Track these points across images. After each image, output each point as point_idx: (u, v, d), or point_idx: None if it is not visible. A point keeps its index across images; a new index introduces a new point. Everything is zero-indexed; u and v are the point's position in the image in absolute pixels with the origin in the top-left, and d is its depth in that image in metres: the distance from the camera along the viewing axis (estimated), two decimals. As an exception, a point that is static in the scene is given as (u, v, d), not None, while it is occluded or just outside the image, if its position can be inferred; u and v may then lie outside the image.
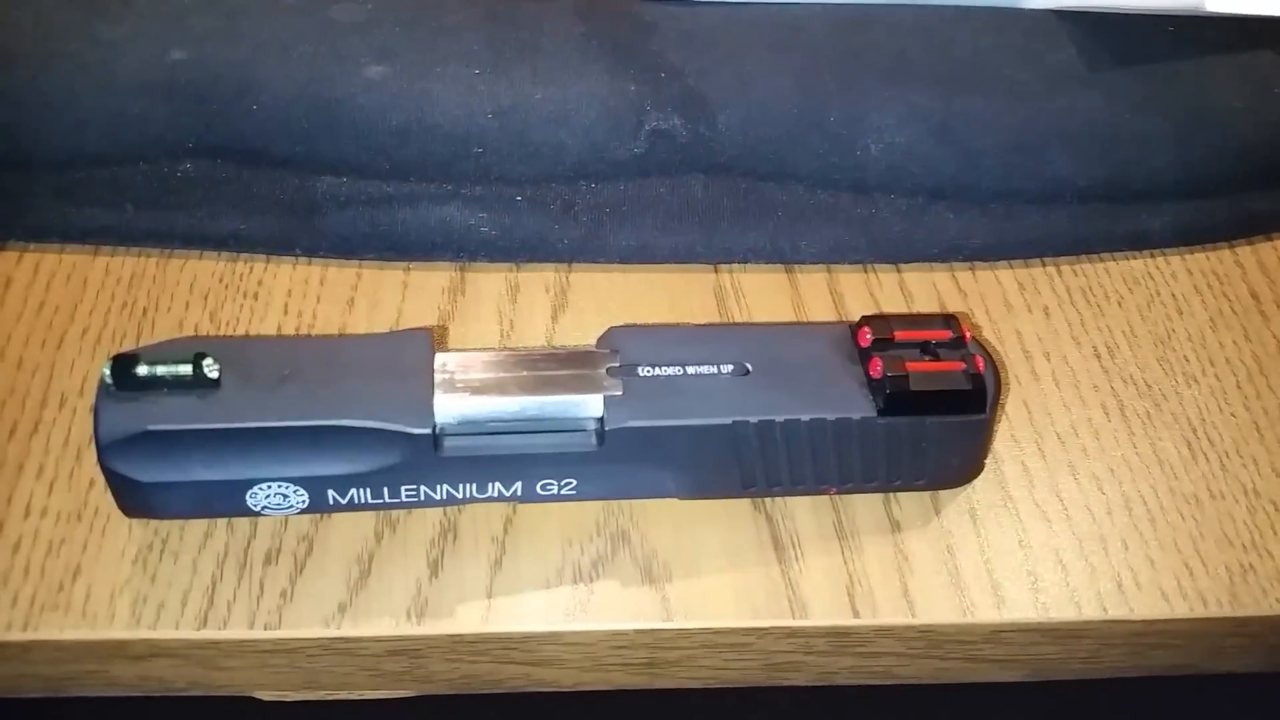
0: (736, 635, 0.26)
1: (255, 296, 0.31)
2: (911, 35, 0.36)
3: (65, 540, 0.26)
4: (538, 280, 0.32)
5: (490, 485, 0.25)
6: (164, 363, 0.23)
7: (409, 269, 0.32)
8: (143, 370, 0.23)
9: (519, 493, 0.26)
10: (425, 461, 0.24)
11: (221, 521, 0.27)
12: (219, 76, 0.33)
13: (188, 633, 0.25)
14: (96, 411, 0.23)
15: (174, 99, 0.33)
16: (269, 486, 0.24)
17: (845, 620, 0.26)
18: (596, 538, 0.27)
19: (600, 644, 0.26)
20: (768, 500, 0.28)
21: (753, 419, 0.25)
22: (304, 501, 0.24)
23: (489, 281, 0.32)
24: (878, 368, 0.25)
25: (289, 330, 0.30)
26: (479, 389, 0.24)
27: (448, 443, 0.24)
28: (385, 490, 0.25)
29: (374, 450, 0.24)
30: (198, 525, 0.26)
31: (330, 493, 0.24)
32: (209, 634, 0.25)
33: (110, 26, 0.34)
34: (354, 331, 0.31)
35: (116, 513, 0.26)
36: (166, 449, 0.23)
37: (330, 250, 0.32)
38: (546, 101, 0.33)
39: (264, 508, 0.24)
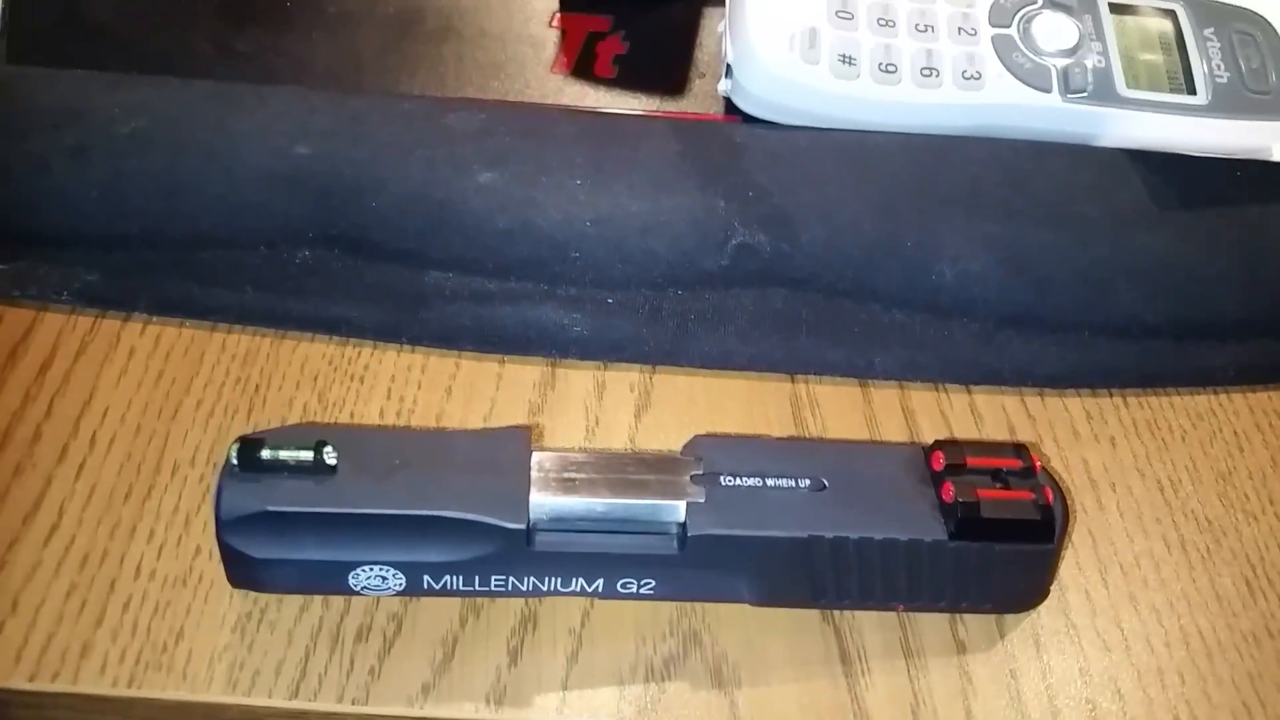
0: (802, 747, 0.26)
1: (361, 380, 0.32)
2: (986, 168, 0.36)
3: (171, 603, 0.27)
4: (623, 380, 0.33)
5: (574, 580, 0.25)
6: (287, 447, 0.24)
7: (504, 362, 0.33)
8: (266, 454, 0.24)
9: (600, 589, 0.26)
10: (516, 554, 0.24)
11: (318, 596, 0.27)
12: (341, 173, 0.34)
13: (280, 701, 0.25)
14: (220, 489, 0.24)
15: (297, 191, 0.34)
16: (371, 569, 0.24)
17: (908, 736, 0.26)
18: (670, 637, 0.27)
19: (668, 742, 0.26)
20: (836, 613, 0.27)
21: (828, 534, 0.25)
22: (400, 584, 0.25)
23: (578, 378, 0.33)
24: (950, 492, 0.25)
25: (391, 413, 0.31)
26: (570, 488, 0.25)
27: (539, 538, 0.25)
28: (477, 579, 0.25)
29: (471, 541, 0.24)
30: (295, 597, 0.27)
31: (426, 578, 0.25)
32: (300, 704, 0.25)
33: (242, 119, 0.36)
34: (451, 417, 0.31)
35: (220, 580, 0.27)
36: (282, 529, 0.24)
37: (433, 340, 0.33)
38: (641, 213, 0.34)
39: (363, 588, 0.25)
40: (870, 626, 0.27)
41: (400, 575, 0.25)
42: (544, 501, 0.24)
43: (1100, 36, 0.38)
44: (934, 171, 0.36)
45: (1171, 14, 0.39)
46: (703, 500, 0.25)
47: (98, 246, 0.34)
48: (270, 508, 0.23)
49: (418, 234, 0.34)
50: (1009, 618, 0.28)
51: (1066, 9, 0.38)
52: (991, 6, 0.38)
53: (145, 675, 0.26)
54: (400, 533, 0.24)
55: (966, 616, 0.28)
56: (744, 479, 0.26)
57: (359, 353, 0.33)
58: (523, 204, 0.34)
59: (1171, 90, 0.37)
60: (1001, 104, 0.36)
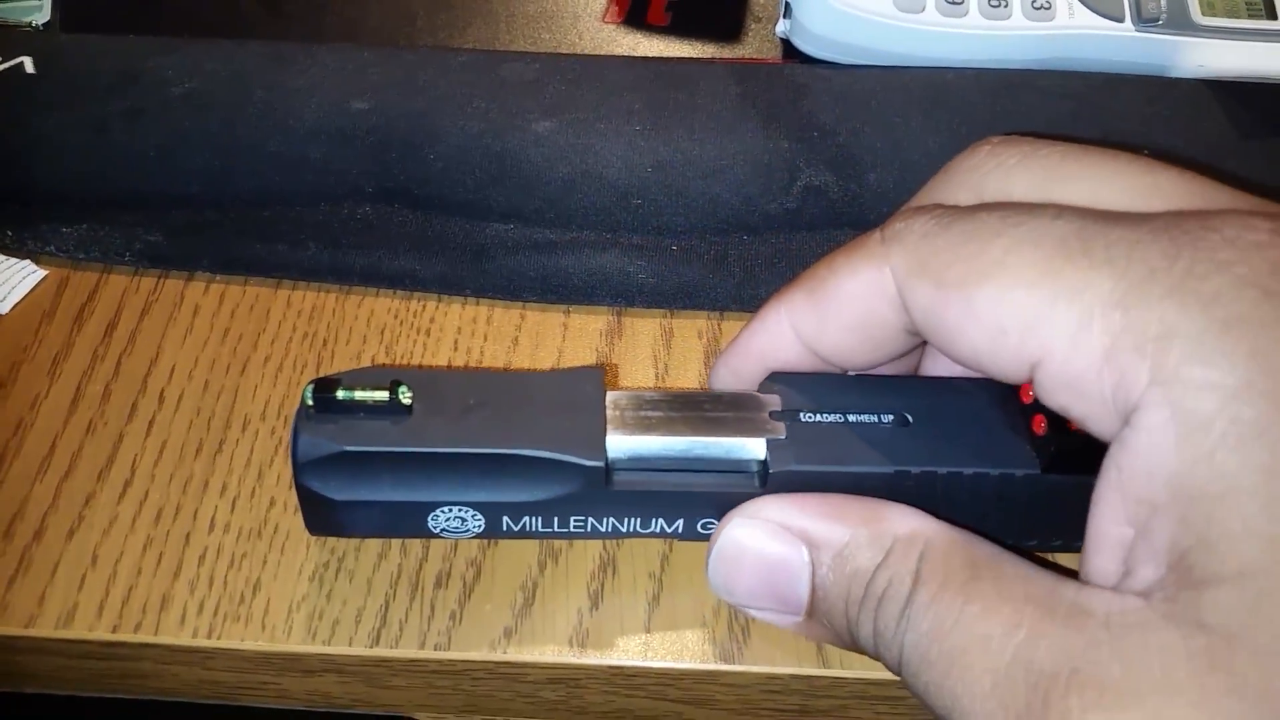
0: (890, 687, 0.25)
1: (428, 333, 0.32)
2: (1060, 101, 0.35)
3: (247, 555, 0.27)
4: (690, 327, 0.32)
5: (654, 521, 0.25)
6: (362, 388, 0.23)
7: (569, 311, 0.32)
8: (341, 394, 0.23)
9: (680, 530, 0.25)
10: (595, 494, 0.24)
11: (395, 543, 0.27)
12: (398, 127, 0.34)
13: (360, 650, 0.25)
14: (295, 432, 0.23)
15: (355, 146, 0.34)
16: (450, 510, 0.24)
17: (1002, 676, 0.25)
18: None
19: (754, 686, 0.25)
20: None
21: (914, 469, 0.24)
22: (480, 526, 0.24)
23: (644, 326, 0.32)
24: (1042, 425, 0.25)
25: (459, 365, 0.31)
26: (647, 426, 0.24)
27: (617, 477, 0.24)
28: (555, 520, 0.24)
29: (550, 480, 0.24)
30: (372, 546, 0.27)
31: (505, 519, 0.24)
32: (381, 652, 0.25)
33: (296, 77, 0.36)
34: (519, 367, 0.31)
35: (295, 530, 0.27)
36: (360, 470, 0.23)
37: (497, 292, 0.32)
38: (703, 157, 0.33)
39: (443, 530, 0.24)
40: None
41: (479, 516, 0.24)
42: (621, 440, 0.24)
43: (1174, -38, 0.36)
44: (1005, 106, 0.35)
45: (1249, -63, 0.37)
46: (783, 437, 0.24)
47: (158, 207, 0.34)
48: (348, 448, 0.23)
49: (477, 185, 0.33)
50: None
51: (1138, -65, 0.37)
52: (1059, -65, 0.37)
53: (224, 626, 0.25)
54: (478, 472, 0.24)
55: (1058, 556, 0.27)
56: (825, 415, 0.25)
57: (424, 306, 0.32)
58: (582, 152, 0.33)
59: (1250, 15, 0.36)
60: (1073, 34, 0.35)
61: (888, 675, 0.24)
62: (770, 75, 0.36)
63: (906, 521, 0.21)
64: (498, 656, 0.25)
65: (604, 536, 0.25)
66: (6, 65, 0.37)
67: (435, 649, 0.25)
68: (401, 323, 0.32)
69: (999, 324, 0.20)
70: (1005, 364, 0.20)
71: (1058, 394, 0.20)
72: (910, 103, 0.35)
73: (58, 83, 0.36)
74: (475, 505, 0.24)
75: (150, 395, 0.30)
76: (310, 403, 0.23)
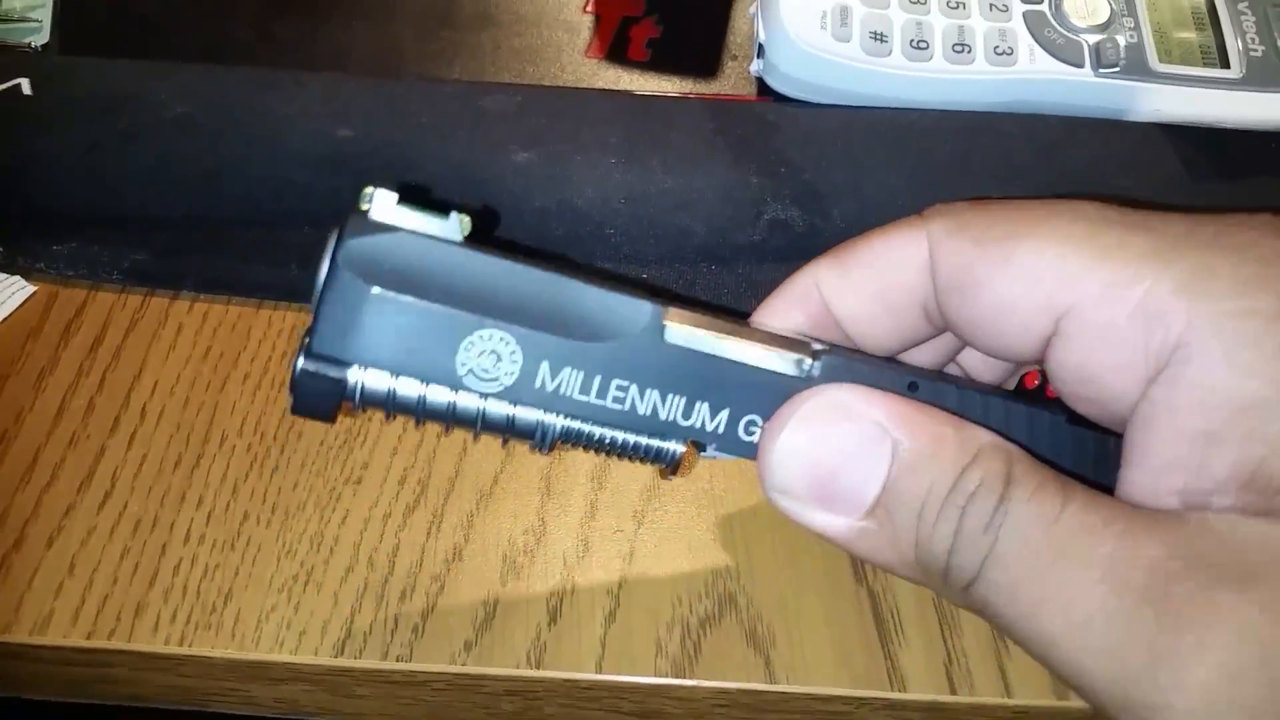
0: (836, 703, 0.26)
1: (401, 354, 0.33)
2: (1020, 142, 0.36)
3: (220, 566, 0.28)
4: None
5: (696, 408, 0.22)
6: (421, 208, 0.21)
7: (540, 336, 0.33)
8: (400, 203, 0.21)
9: (721, 427, 0.22)
10: (647, 348, 0.21)
11: (363, 559, 0.28)
12: (381, 154, 0.35)
13: (325, 660, 0.26)
14: (343, 221, 0.21)
15: (339, 171, 0.35)
16: (490, 337, 0.21)
17: (943, 696, 0.26)
18: (706, 598, 0.27)
19: (705, 700, 0.26)
20: (869, 574, 0.28)
21: (961, 384, 0.23)
22: (513, 374, 0.21)
23: (613, 352, 0.33)
24: (1052, 391, 0.24)
25: (430, 386, 0.32)
26: (700, 321, 0.22)
27: (670, 329, 0.22)
28: (597, 381, 0.21)
29: (603, 323, 0.21)
30: (340, 559, 0.28)
31: (544, 366, 0.21)
32: (345, 662, 0.26)
33: (283, 104, 0.37)
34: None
35: (267, 543, 0.28)
36: (409, 259, 0.20)
37: (471, 315, 0.33)
38: (674, 190, 0.35)
39: (470, 370, 0.21)
40: (904, 588, 0.27)
41: (517, 355, 0.21)
42: (676, 315, 0.22)
43: (1132, 11, 0.38)
44: (967, 146, 0.36)
45: (1204, -12, 0.39)
46: (829, 348, 0.23)
47: (146, 227, 0.35)
48: (403, 228, 0.20)
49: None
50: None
51: (1098, -15, 0.38)
52: (1023, -17, 0.38)
53: (196, 634, 0.26)
54: (529, 298, 0.21)
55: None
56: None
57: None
58: (559, 183, 0.35)
59: (1205, 64, 0.37)
60: (1034, 79, 0.37)
61: (834, 690, 0.25)
62: (742, 112, 0.37)
63: (987, 432, 0.20)
64: (457, 669, 0.26)
65: (639, 427, 0.22)
66: (4, 86, 0.38)
67: (398, 660, 0.26)
68: (378, 344, 0.33)
69: (1035, 272, 0.20)
70: (1030, 316, 0.21)
71: (1083, 346, 0.20)
72: (875, 141, 0.36)
73: (53, 104, 0.37)
74: (519, 336, 0.21)
75: (133, 410, 0.31)
76: (366, 205, 0.21)
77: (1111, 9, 0.38)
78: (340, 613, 0.27)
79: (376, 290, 0.20)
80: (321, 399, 0.21)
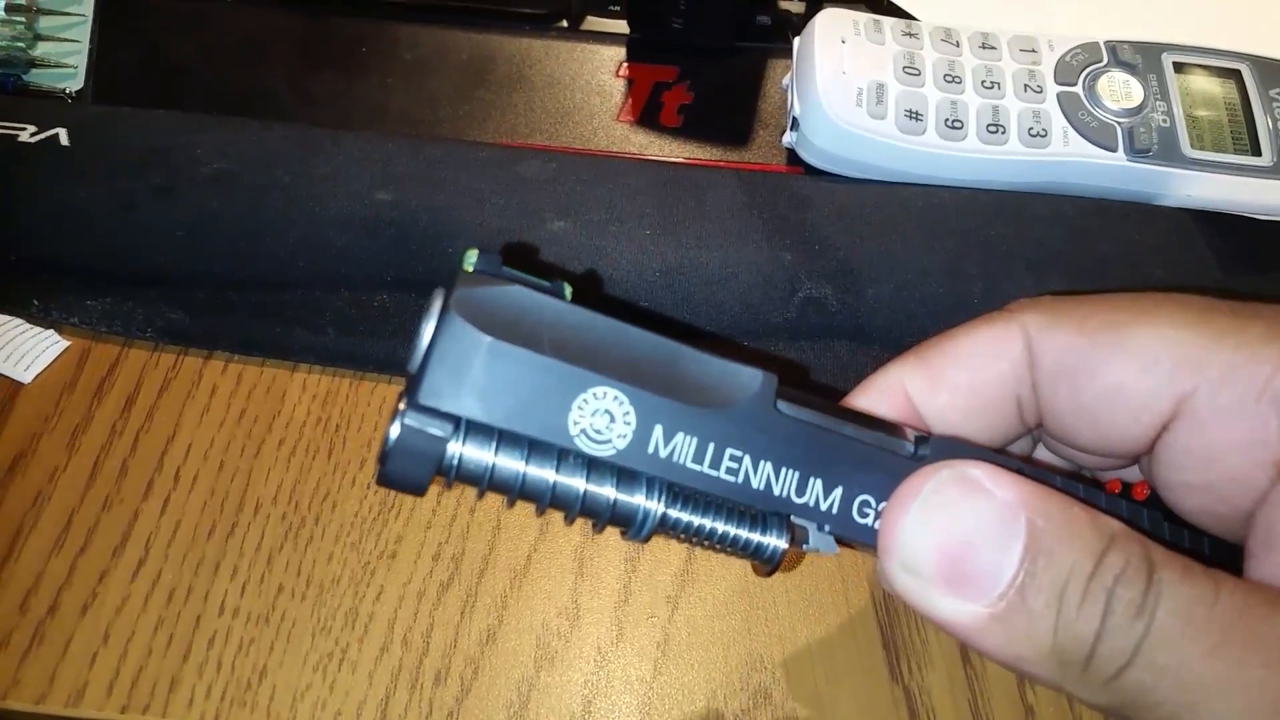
0: (868, 798, 0.26)
1: (435, 424, 0.33)
2: (1052, 226, 0.37)
3: (254, 640, 0.28)
4: (690, 429, 0.33)
5: (810, 485, 0.21)
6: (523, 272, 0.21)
7: (573, 409, 0.33)
8: (504, 268, 0.20)
9: (835, 507, 0.22)
10: (759, 419, 0.21)
11: (397, 638, 0.28)
12: (419, 219, 0.35)
13: (360, 742, 0.26)
14: (454, 276, 0.20)
15: (377, 236, 0.35)
16: (604, 396, 0.20)
17: (974, 796, 0.26)
18: (740, 692, 0.27)
19: (737, 793, 0.27)
20: (905, 672, 0.28)
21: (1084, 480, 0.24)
22: (627, 436, 0.20)
23: (646, 427, 0.33)
24: (1142, 491, 0.24)
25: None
26: (809, 404, 0.22)
27: (783, 405, 0.21)
28: (710, 450, 0.21)
29: (713, 388, 0.21)
30: (375, 638, 0.28)
31: (658, 429, 0.20)
32: (380, 746, 0.26)
33: (321, 163, 0.37)
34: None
35: (301, 619, 0.28)
36: (521, 314, 0.20)
37: (505, 386, 0.33)
38: (709, 264, 0.35)
39: (583, 430, 0.20)
40: (940, 688, 0.28)
41: (631, 415, 0.20)
42: (787, 393, 0.22)
43: (1165, 96, 0.38)
44: (1000, 228, 0.36)
45: (1236, 74, 0.39)
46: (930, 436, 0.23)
47: (182, 285, 0.35)
48: (516, 283, 0.20)
49: (492, 280, 0.35)
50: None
51: (1131, 68, 0.39)
52: (1057, 64, 0.38)
53: (230, 711, 0.26)
54: (644, 358, 0.20)
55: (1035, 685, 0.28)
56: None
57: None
58: (594, 253, 0.35)
59: (1236, 151, 0.38)
60: (1067, 161, 0.37)
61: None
62: (775, 185, 0.38)
63: (1116, 520, 0.19)
64: (493, 757, 0.26)
65: (748, 499, 0.21)
66: (43, 136, 0.38)
67: (433, 746, 0.26)
68: (412, 412, 0.33)
69: (1152, 356, 0.20)
70: (1148, 400, 0.21)
71: (1207, 428, 0.20)
72: (908, 220, 0.36)
73: (90, 156, 0.37)
74: (633, 397, 0.20)
75: (166, 473, 0.31)
76: (469, 266, 0.20)
77: (1145, 92, 0.38)
78: (375, 694, 0.27)
79: (490, 340, 0.19)
80: (418, 462, 0.19)
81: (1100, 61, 0.39)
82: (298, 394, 0.33)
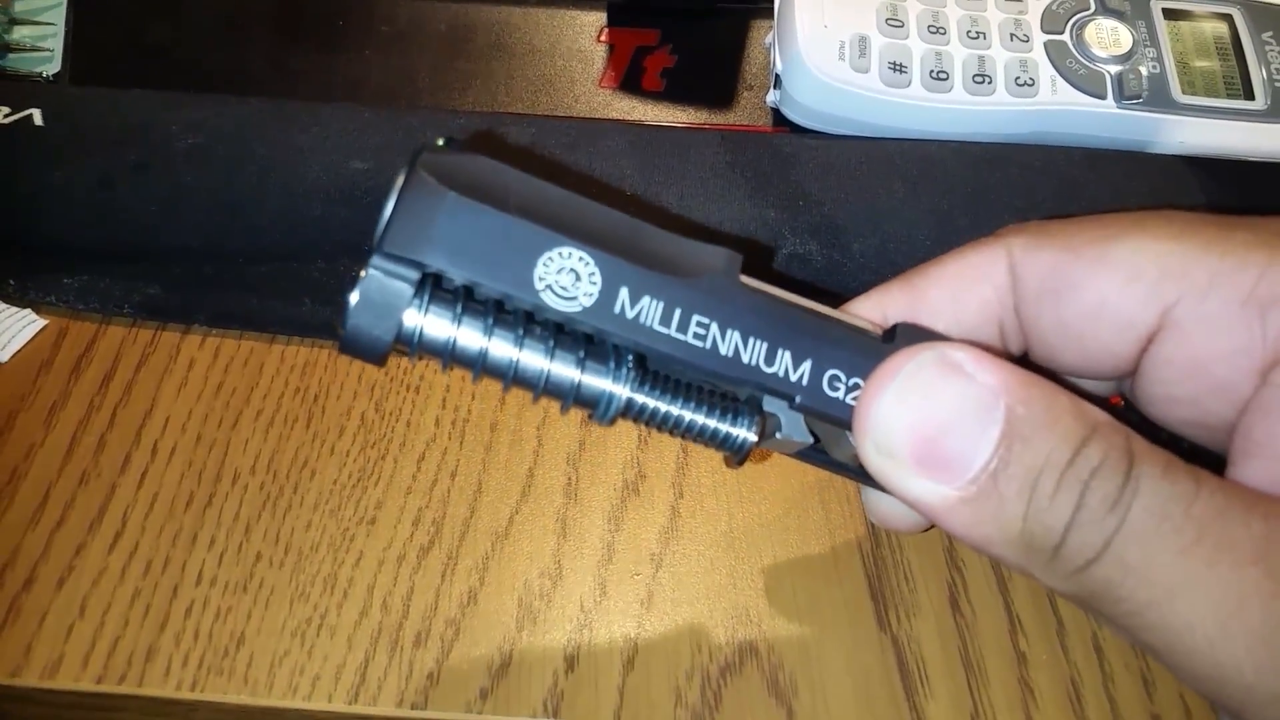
0: (857, 756, 0.26)
1: (416, 390, 0.32)
2: (1041, 176, 0.36)
3: (232, 609, 0.28)
4: (675, 390, 0.33)
5: (778, 355, 0.21)
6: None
7: (556, 372, 0.33)
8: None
9: (804, 379, 0.21)
10: (727, 289, 0.21)
11: (377, 602, 0.27)
12: (395, 186, 0.35)
13: (340, 706, 0.26)
14: (421, 146, 0.20)
15: (353, 205, 0.35)
16: (569, 256, 0.20)
17: (968, 747, 0.26)
18: (726, 646, 0.27)
19: (725, 750, 0.26)
20: (893, 621, 0.27)
21: None
22: (592, 296, 0.20)
23: (630, 389, 0.33)
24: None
25: (446, 423, 0.32)
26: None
27: (746, 279, 0.21)
28: (677, 314, 0.20)
29: (678, 261, 0.21)
30: (354, 602, 0.27)
31: (622, 294, 0.20)
32: (359, 709, 0.26)
33: (297, 135, 0.37)
34: (506, 426, 0.32)
35: (280, 586, 0.28)
36: (487, 179, 0.20)
37: (485, 351, 0.33)
38: (691, 224, 0.35)
39: (548, 286, 0.20)
40: (929, 637, 0.27)
41: (597, 275, 0.20)
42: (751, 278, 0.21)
43: (1154, 42, 0.38)
44: (988, 180, 0.36)
45: (1228, 18, 0.39)
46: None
47: (159, 260, 0.35)
48: (480, 154, 0.20)
49: (471, 246, 0.34)
50: (1069, 625, 0.28)
51: (1119, 14, 0.38)
52: (1044, 12, 0.38)
53: (208, 679, 0.26)
54: (611, 227, 0.20)
55: (1027, 625, 0.27)
56: None
57: (414, 363, 0.33)
58: (574, 215, 0.34)
59: (1229, 95, 0.37)
60: (1055, 110, 0.36)
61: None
62: (759, 144, 0.37)
63: (1102, 410, 0.19)
64: (473, 717, 0.26)
65: (716, 371, 0.21)
66: (16, 117, 0.38)
67: (412, 708, 0.26)
68: (392, 379, 0.33)
69: (1136, 268, 0.20)
70: (1132, 312, 0.20)
71: (1193, 336, 0.20)
72: (894, 174, 0.36)
73: (65, 135, 0.37)
74: (598, 259, 0.20)
75: (144, 447, 0.31)
76: (441, 142, 0.20)
77: (1134, 39, 0.37)
78: (354, 658, 0.26)
79: (455, 194, 0.19)
80: (382, 317, 0.19)
81: (1087, 9, 0.38)
82: (275, 365, 0.33)
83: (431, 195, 0.19)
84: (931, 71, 0.36)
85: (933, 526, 0.27)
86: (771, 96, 0.39)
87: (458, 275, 0.19)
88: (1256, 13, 0.39)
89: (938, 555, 0.28)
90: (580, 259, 0.20)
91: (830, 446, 0.24)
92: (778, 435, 0.22)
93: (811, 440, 0.22)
